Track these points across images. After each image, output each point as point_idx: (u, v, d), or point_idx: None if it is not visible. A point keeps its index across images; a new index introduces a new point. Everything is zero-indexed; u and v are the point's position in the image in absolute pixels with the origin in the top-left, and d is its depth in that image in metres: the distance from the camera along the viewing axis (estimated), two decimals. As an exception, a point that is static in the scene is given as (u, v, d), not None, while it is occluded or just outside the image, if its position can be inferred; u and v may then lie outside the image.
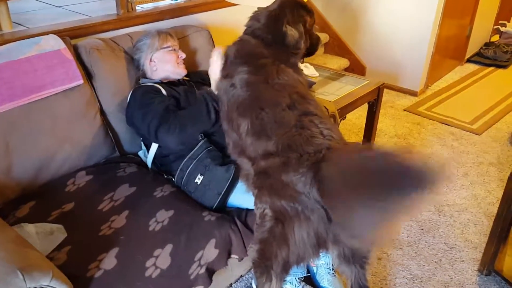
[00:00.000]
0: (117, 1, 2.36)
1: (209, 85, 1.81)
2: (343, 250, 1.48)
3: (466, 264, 2.16)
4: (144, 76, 2.05)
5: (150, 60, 2.02)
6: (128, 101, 1.95)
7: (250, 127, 1.44)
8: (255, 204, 1.47)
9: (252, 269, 1.58)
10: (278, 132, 1.39)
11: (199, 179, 1.76)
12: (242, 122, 1.46)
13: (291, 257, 1.38)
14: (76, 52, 1.99)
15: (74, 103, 1.88)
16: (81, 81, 1.90)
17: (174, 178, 1.84)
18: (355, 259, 1.53)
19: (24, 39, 1.89)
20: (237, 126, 1.49)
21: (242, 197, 1.75)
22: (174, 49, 2.06)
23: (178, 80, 2.08)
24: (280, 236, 1.37)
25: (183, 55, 2.08)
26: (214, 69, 1.71)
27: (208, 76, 1.81)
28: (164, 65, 2.02)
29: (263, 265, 1.45)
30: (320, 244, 1.35)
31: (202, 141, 1.82)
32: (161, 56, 2.02)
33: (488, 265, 2.06)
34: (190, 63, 2.38)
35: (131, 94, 1.94)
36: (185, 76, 2.16)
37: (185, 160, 1.80)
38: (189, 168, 1.78)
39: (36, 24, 2.27)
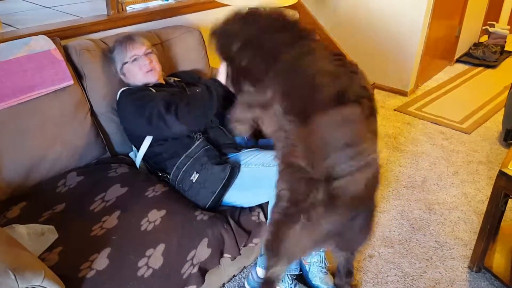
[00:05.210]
0: (107, 1, 2.35)
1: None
2: (341, 242, 1.51)
3: (457, 262, 2.18)
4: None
5: (123, 74, 1.99)
6: (117, 102, 1.93)
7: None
8: (277, 181, 1.42)
9: (263, 250, 1.54)
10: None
11: (194, 177, 1.75)
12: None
13: (304, 241, 1.38)
14: (66, 53, 1.98)
15: (64, 103, 1.87)
16: (71, 82, 1.89)
17: (169, 176, 1.83)
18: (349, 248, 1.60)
19: (13, 39, 1.88)
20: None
21: (236, 195, 1.76)
22: (136, 59, 1.94)
23: (166, 82, 2.06)
24: (292, 218, 1.35)
25: (146, 63, 1.95)
26: None
27: (197, 76, 1.81)
28: (134, 77, 1.96)
29: (275, 247, 1.43)
30: (330, 236, 1.38)
31: (200, 139, 1.81)
32: (128, 70, 1.96)
33: (478, 262, 2.08)
34: (181, 63, 2.38)
35: (120, 95, 1.92)
36: (176, 77, 2.16)
37: (181, 158, 1.79)
38: (185, 166, 1.77)
39: (25, 24, 2.25)
